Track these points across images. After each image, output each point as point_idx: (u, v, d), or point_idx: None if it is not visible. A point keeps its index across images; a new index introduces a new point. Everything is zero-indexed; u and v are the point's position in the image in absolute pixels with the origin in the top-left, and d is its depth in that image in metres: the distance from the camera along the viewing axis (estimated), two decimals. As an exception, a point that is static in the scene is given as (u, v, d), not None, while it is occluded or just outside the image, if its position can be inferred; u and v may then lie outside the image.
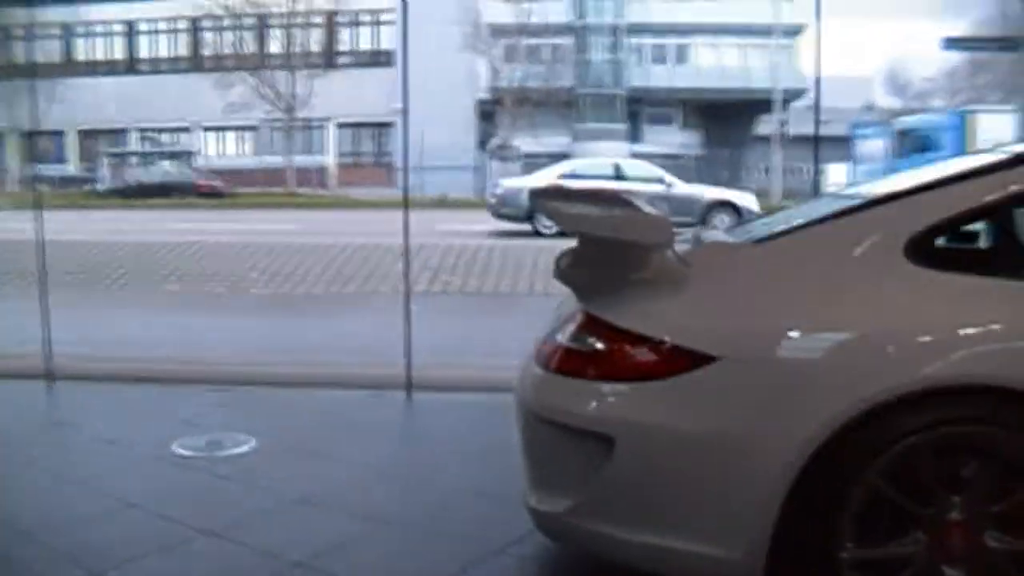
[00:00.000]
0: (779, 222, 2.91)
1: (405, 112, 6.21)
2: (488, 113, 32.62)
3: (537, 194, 2.72)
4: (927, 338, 2.16)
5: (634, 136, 38.30)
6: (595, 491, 2.28)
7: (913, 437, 2.10)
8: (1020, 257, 2.75)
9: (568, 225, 2.46)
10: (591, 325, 2.36)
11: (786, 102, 31.24)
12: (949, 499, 2.13)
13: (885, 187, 2.83)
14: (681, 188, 17.41)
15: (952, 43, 15.97)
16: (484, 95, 33.30)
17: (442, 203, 21.91)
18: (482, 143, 33.52)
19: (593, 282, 2.44)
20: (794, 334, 2.23)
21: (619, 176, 17.73)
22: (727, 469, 2.19)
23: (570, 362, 2.38)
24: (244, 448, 3.98)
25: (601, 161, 20.38)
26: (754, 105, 34.33)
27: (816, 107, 6.90)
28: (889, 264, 2.25)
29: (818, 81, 6.16)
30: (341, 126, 35.80)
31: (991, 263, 2.58)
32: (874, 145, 26.76)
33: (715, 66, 37.64)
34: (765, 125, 33.80)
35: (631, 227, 2.37)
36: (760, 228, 2.92)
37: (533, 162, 33.75)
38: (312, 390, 5.18)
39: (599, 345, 2.33)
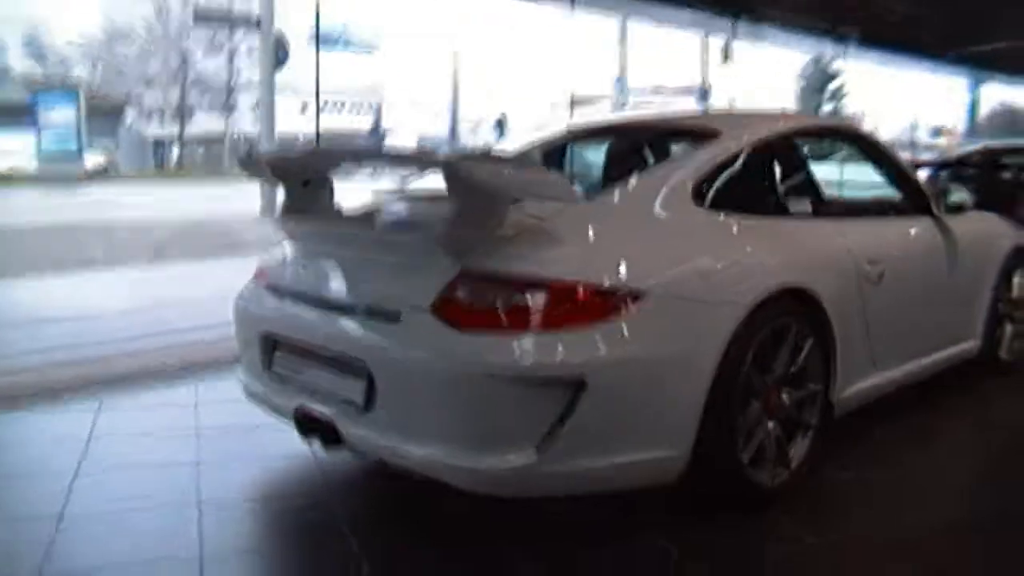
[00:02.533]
0: None
1: None
2: None
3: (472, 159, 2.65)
4: (756, 263, 2.95)
5: None
6: (568, 433, 2.45)
7: (760, 334, 2.82)
8: (783, 200, 3.47)
9: (492, 189, 2.53)
10: (511, 283, 2.51)
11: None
12: (770, 373, 2.92)
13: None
14: None
15: (200, 17, 16.13)
16: None
17: None
18: None
19: (471, 243, 2.58)
20: (680, 272, 2.75)
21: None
22: (671, 385, 2.61)
23: (507, 318, 2.47)
24: None
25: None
26: None
27: None
28: (691, 209, 2.96)
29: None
30: None
31: (768, 207, 3.35)
32: (62, 113, 25.59)
33: None
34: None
35: (545, 187, 2.63)
36: None
37: None
38: None
39: (538, 299, 2.48)
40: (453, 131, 48.86)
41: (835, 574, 2.60)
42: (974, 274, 4.26)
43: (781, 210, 3.30)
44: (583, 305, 2.51)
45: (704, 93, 22.64)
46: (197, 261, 9.54)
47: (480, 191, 2.52)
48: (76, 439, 3.57)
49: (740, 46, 19.87)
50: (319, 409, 2.80)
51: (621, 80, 22.13)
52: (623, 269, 2.61)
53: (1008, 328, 4.59)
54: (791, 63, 40.57)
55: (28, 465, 3.34)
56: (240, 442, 3.63)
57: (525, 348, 2.44)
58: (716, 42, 20.81)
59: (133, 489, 3.11)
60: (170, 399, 4.21)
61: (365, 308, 2.71)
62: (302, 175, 3.17)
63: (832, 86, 43.15)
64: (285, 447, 3.48)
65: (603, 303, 2.53)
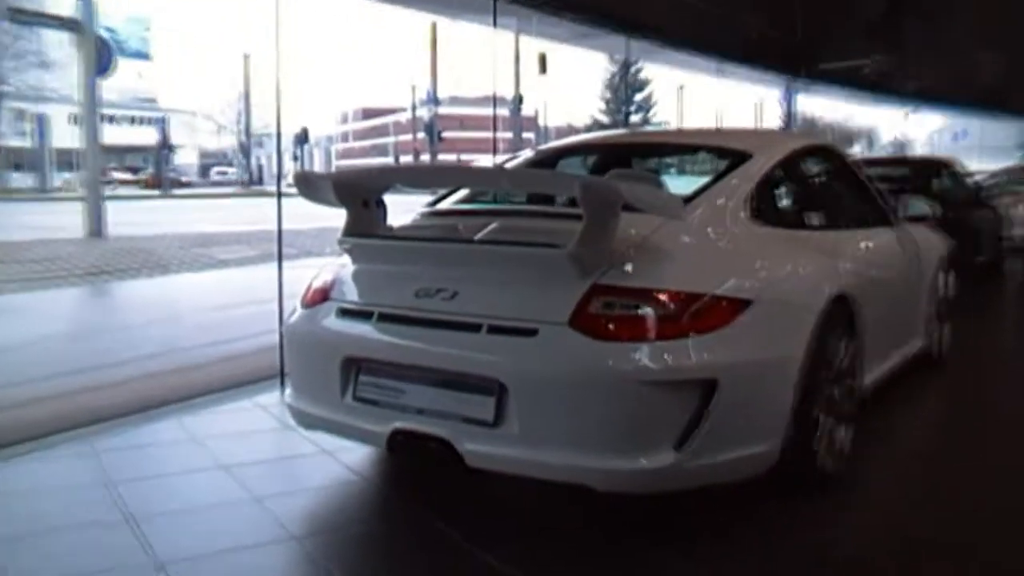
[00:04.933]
0: None
1: None
2: None
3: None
4: (817, 272, 3.26)
5: None
6: (703, 432, 2.60)
7: (825, 335, 3.07)
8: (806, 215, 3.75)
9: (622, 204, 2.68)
10: (644, 294, 2.65)
11: None
12: (828, 370, 3.16)
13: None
14: None
15: (17, 16, 14.52)
16: None
17: None
18: None
19: (597, 259, 2.68)
20: (775, 281, 3.01)
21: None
22: (775, 383, 2.85)
23: (644, 328, 2.60)
24: None
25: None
26: None
27: None
28: (754, 225, 3.21)
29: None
30: None
31: (800, 221, 3.67)
32: None
33: None
34: None
35: (658, 202, 2.80)
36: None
37: None
38: None
39: (669, 309, 2.63)
40: (247, 146, 46.90)
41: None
42: (920, 277, 4.75)
43: (807, 223, 3.62)
44: (708, 312, 2.68)
45: (518, 103, 22.46)
46: None
47: (612, 207, 2.64)
48: (96, 486, 3.32)
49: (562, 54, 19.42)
50: (428, 429, 2.78)
51: (430, 92, 21.85)
52: (736, 279, 2.82)
53: (944, 327, 5.16)
54: (598, 72, 40.88)
55: (70, 516, 3.05)
56: (278, 474, 3.55)
57: (665, 354, 2.59)
58: (529, 51, 20.53)
59: (209, 529, 2.94)
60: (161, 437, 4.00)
61: (492, 326, 2.72)
62: (363, 196, 3.15)
63: (639, 97, 42.79)
64: (325, 474, 3.46)
65: (724, 310, 2.71)
